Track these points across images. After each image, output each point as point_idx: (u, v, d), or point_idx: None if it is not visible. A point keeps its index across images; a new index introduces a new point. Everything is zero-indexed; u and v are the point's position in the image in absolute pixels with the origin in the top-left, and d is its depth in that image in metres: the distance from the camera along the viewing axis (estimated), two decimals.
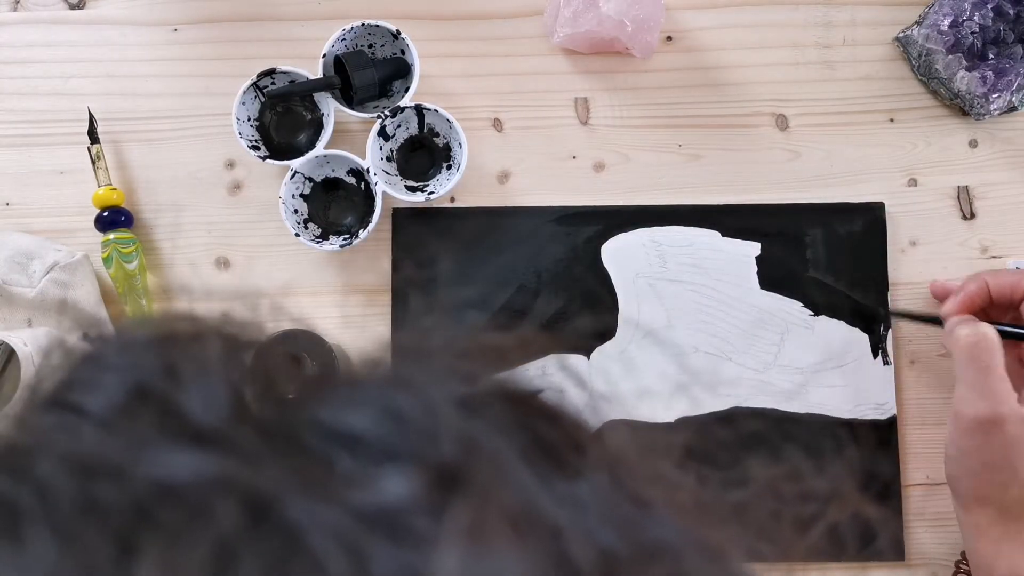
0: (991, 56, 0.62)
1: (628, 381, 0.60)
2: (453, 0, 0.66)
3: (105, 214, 0.62)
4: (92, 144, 0.63)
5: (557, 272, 0.63)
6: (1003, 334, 0.54)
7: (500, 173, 0.65)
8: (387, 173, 0.63)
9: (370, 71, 0.61)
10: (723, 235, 0.63)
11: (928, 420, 0.62)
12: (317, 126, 0.64)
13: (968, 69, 0.62)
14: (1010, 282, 0.56)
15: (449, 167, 0.63)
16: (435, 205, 0.64)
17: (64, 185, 0.65)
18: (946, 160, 0.65)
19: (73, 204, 0.64)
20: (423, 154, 0.64)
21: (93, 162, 0.63)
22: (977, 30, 0.62)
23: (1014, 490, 0.51)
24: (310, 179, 0.63)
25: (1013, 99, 0.62)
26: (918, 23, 0.64)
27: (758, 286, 0.63)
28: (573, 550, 0.15)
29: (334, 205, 0.64)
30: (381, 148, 0.63)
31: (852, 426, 0.61)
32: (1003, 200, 0.65)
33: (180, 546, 0.14)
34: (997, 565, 0.52)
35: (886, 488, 0.61)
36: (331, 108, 0.62)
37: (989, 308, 0.57)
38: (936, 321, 0.58)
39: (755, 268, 0.63)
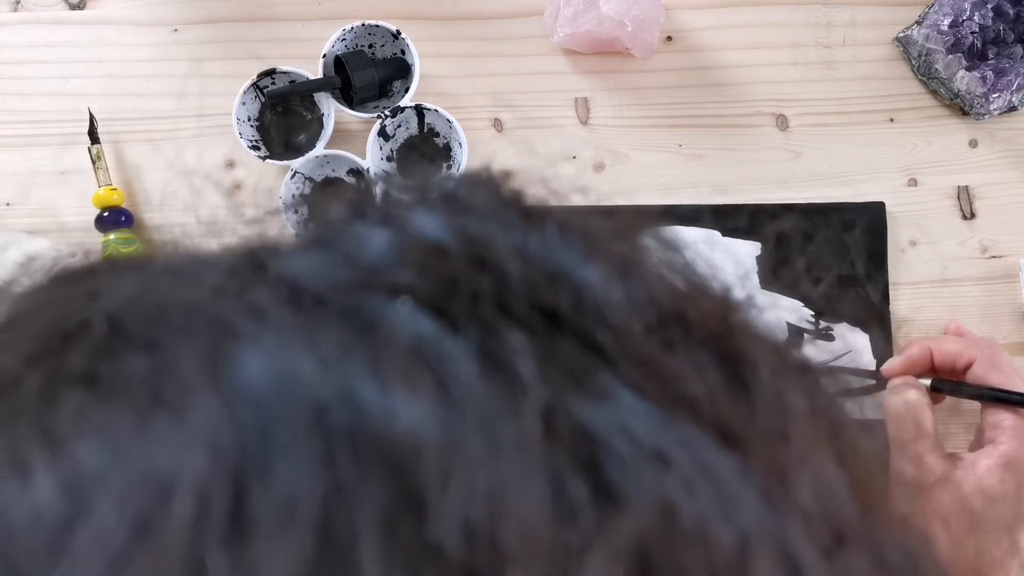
0: (991, 56, 0.62)
1: None
2: (453, 0, 0.66)
3: (106, 214, 0.62)
4: (92, 144, 0.63)
5: None
6: (947, 390, 0.55)
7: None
8: (387, 173, 0.63)
9: (370, 71, 0.61)
10: (723, 235, 0.63)
11: None
12: (317, 126, 0.64)
13: (968, 69, 0.62)
14: (953, 351, 0.55)
15: (449, 167, 0.63)
16: None
17: (64, 185, 0.65)
18: (946, 160, 0.65)
19: (73, 204, 0.64)
20: (423, 154, 0.64)
21: (93, 162, 0.63)
22: (977, 30, 0.62)
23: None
24: (310, 179, 0.63)
25: (1013, 99, 0.62)
26: (918, 23, 0.64)
27: (759, 286, 0.63)
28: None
29: None
30: (381, 148, 0.63)
31: None
32: (1003, 200, 0.65)
33: None
34: None
35: None
36: (331, 108, 0.62)
37: (933, 373, 0.57)
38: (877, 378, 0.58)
39: (755, 268, 0.63)
